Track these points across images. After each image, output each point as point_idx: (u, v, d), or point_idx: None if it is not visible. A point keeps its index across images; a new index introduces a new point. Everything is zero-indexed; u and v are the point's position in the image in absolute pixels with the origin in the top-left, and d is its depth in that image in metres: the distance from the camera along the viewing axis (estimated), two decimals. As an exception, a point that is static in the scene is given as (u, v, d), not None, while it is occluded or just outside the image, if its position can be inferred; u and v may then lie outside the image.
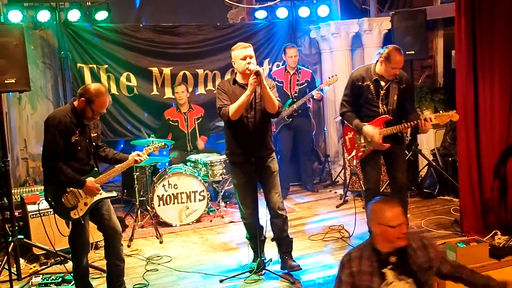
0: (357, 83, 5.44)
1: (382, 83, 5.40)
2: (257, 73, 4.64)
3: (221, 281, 5.01)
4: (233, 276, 5.06)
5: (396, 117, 5.45)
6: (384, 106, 5.42)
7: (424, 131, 5.46)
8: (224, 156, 7.10)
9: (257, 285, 4.97)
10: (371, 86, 5.39)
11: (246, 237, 5.32)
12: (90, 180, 4.50)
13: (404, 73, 5.55)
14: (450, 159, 7.34)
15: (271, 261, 5.27)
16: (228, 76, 8.32)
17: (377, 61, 5.39)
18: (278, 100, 4.89)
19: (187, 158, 7.37)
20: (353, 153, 5.68)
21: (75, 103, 4.45)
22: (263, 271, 5.12)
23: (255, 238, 5.17)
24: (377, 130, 5.38)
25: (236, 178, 5.11)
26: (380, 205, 3.42)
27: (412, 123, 5.36)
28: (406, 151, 5.88)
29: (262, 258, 5.12)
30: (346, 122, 5.75)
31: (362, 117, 5.50)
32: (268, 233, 5.19)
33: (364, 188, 6.36)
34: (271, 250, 5.39)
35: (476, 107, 5.65)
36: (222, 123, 7.78)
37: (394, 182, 5.69)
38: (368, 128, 5.40)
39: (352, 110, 5.53)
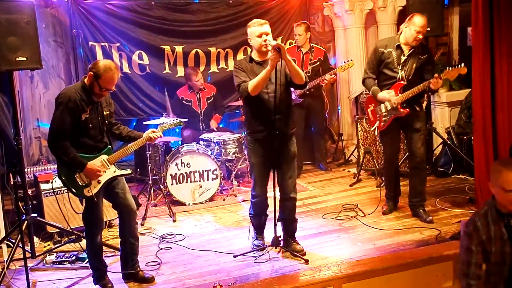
0: (379, 49, 5.67)
1: (405, 50, 5.58)
2: (279, 49, 4.58)
3: (235, 256, 5.00)
4: (248, 252, 5.08)
5: (414, 85, 5.53)
6: (403, 72, 5.56)
7: (435, 88, 5.50)
8: (237, 135, 7.09)
9: (270, 262, 4.94)
10: (393, 52, 5.60)
11: (250, 214, 5.29)
12: (92, 163, 4.42)
13: (426, 46, 5.88)
14: (465, 137, 7.26)
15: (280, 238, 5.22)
16: (240, 54, 8.27)
17: (401, 32, 5.62)
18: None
19: (199, 137, 7.34)
20: (376, 124, 5.86)
21: (86, 79, 4.40)
22: (278, 248, 5.11)
23: (261, 216, 5.21)
24: (393, 93, 5.57)
25: (255, 157, 5.04)
26: (498, 166, 3.42)
27: (424, 83, 5.47)
28: (424, 127, 5.89)
29: (277, 236, 5.08)
30: (367, 94, 6.02)
31: (381, 81, 5.72)
32: (271, 214, 5.19)
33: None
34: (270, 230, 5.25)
35: (492, 84, 5.56)
36: (235, 103, 7.81)
37: (412, 155, 5.76)
38: (382, 93, 5.61)
39: (373, 77, 5.74)
